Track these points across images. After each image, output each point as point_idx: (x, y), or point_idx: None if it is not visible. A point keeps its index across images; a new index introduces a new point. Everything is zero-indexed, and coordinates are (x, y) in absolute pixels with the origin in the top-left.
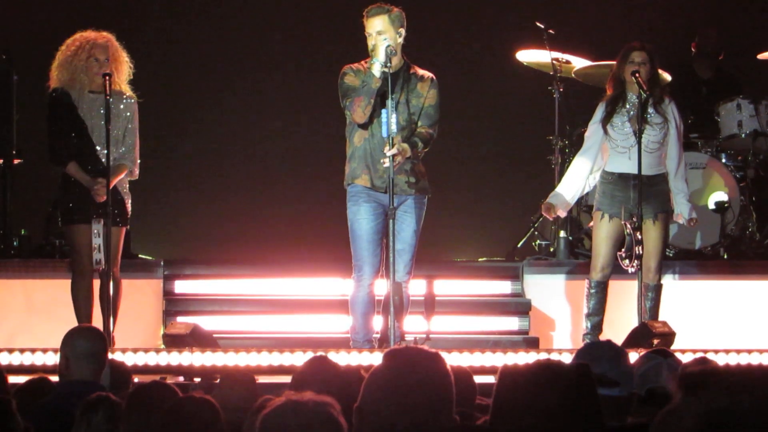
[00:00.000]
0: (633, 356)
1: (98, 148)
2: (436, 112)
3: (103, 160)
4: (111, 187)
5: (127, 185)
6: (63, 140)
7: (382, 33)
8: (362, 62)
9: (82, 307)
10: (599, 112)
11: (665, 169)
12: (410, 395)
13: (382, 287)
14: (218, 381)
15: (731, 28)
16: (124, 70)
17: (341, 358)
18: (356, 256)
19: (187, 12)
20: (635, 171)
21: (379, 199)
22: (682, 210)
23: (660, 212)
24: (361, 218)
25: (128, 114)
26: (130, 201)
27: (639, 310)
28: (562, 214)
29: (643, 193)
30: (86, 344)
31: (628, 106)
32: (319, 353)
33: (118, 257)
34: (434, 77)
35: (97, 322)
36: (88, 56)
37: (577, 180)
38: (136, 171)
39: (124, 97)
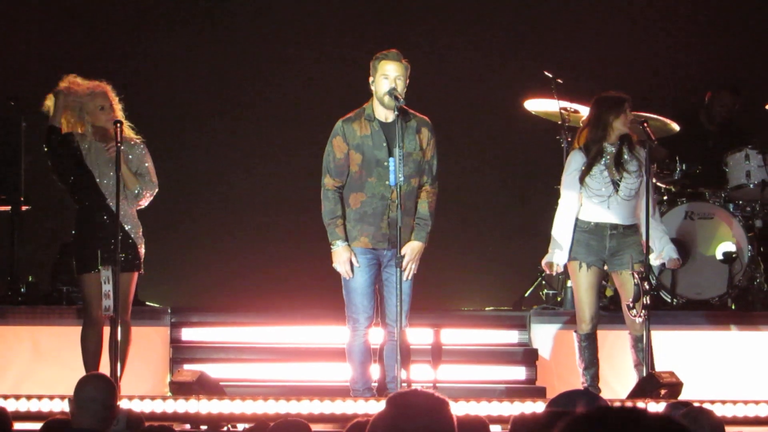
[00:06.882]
0: (641, 405)
1: (108, 199)
2: (437, 162)
3: (112, 207)
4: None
5: (140, 230)
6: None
7: (400, 78)
8: (358, 111)
9: (90, 357)
10: (574, 161)
11: (637, 220)
12: None
13: (376, 336)
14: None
15: (740, 78)
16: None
17: (346, 407)
18: (351, 307)
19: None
20: (612, 220)
21: (374, 252)
22: (667, 249)
23: (636, 263)
24: (356, 272)
25: (141, 159)
26: (143, 246)
27: (646, 359)
28: (561, 269)
29: (620, 243)
30: (94, 393)
31: (605, 155)
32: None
33: (129, 303)
34: (429, 121)
35: (105, 369)
36: (95, 104)
37: (569, 234)
38: (146, 198)
39: (133, 143)
